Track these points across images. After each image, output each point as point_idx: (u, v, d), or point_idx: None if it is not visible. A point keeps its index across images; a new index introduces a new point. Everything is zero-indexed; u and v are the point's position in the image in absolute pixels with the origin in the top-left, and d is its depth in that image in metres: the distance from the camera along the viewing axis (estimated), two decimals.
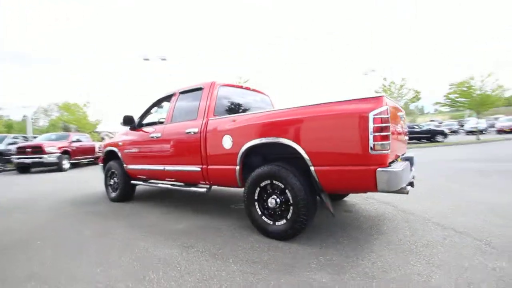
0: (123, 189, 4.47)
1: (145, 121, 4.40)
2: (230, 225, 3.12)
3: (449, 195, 4.07)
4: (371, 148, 2.05)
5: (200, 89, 3.52)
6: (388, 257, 2.17)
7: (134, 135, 4.27)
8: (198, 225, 3.16)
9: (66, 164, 11.15)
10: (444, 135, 18.91)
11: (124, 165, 4.41)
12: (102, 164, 5.00)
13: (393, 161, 2.32)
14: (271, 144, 2.64)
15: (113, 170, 4.66)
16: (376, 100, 2.09)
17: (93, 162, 14.07)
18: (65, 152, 11.18)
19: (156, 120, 4.46)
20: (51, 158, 10.54)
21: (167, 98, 4.07)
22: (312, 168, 2.34)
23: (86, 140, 13.13)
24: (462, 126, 31.33)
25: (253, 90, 4.15)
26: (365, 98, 2.15)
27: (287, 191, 2.50)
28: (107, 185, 4.80)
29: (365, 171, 2.09)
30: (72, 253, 2.51)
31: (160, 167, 3.76)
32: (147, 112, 4.35)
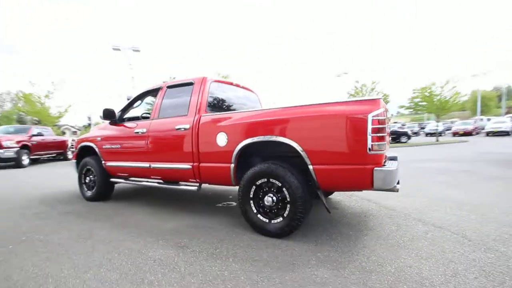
0: (101, 188, 4.19)
1: (126, 116, 4.16)
2: (221, 223, 3.08)
3: (420, 192, 4.39)
4: (369, 148, 2.14)
5: (190, 84, 3.41)
6: (380, 252, 2.29)
7: (115, 130, 4.01)
8: (188, 224, 3.07)
9: (25, 160, 10.18)
10: (408, 136, 20.31)
11: (103, 162, 4.13)
12: (75, 161, 4.64)
13: (385, 161, 2.44)
14: (267, 143, 2.64)
15: (88, 167, 4.35)
16: (374, 102, 2.19)
17: (56, 158, 13.03)
18: (24, 147, 10.20)
19: (138, 114, 4.24)
20: (9, 153, 9.56)
21: (153, 92, 3.89)
22: (310, 166, 2.39)
23: (48, 134, 12.08)
24: (423, 128, 33.91)
25: (242, 87, 4.12)
26: (364, 99, 2.24)
27: (284, 189, 2.52)
28: (81, 183, 4.47)
29: (363, 170, 2.18)
30: (54, 256, 2.30)
31: (145, 164, 3.59)
32: (129, 106, 4.12)
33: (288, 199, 2.50)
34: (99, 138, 4.17)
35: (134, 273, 1.98)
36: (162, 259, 2.20)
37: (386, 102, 18.35)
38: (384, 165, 2.23)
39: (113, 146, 3.97)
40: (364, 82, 18.41)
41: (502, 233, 2.62)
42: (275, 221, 2.60)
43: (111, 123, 4.09)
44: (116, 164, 3.97)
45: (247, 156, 2.91)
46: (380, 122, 2.15)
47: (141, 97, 4.07)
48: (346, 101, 2.29)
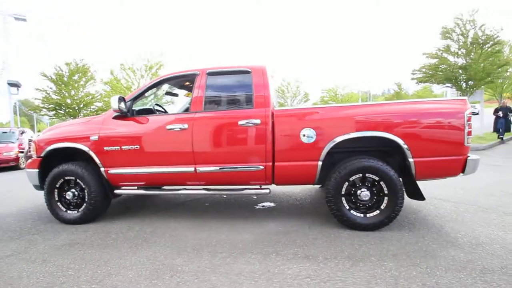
0: (97, 204, 3.10)
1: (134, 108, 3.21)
2: (297, 225, 2.89)
3: None
4: (465, 141, 2.51)
5: (246, 72, 2.97)
6: (478, 231, 2.57)
7: (127, 126, 3.02)
8: (265, 232, 2.73)
9: None
10: None
11: (103, 169, 3.06)
12: (37, 170, 3.23)
13: None
14: (356, 138, 2.65)
15: (70, 178, 3.13)
16: (464, 101, 2.57)
17: None
18: None
19: (149, 107, 3.36)
20: None
21: (181, 78, 3.15)
22: (411, 160, 2.56)
23: None
24: None
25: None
26: (455, 99, 2.59)
27: (382, 182, 2.61)
28: (55, 200, 3.17)
29: (460, 160, 2.53)
30: None
31: (187, 168, 2.90)
32: (141, 95, 3.18)
33: (386, 192, 2.61)
34: (95, 137, 3.04)
35: None
36: (312, 274, 1.92)
37: (307, 100, 20.86)
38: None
39: (125, 148, 2.99)
40: (289, 81, 20.21)
41: None
42: (371, 214, 2.66)
43: (117, 117, 3.05)
44: (129, 171, 3.02)
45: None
46: (470, 118, 2.54)
47: (158, 84, 3.22)
48: (442, 100, 2.59)
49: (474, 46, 9.47)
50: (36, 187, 3.37)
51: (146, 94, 3.27)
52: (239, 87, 2.98)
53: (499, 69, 9.93)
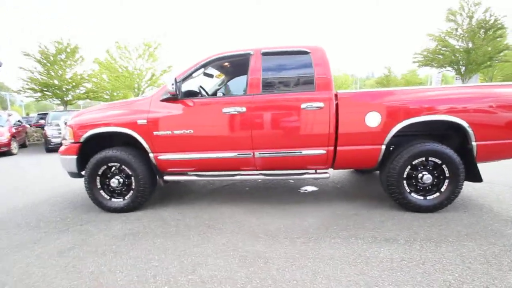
0: (146, 190, 2.97)
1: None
2: (354, 209, 2.92)
3: None
4: None
5: (304, 53, 2.84)
6: None
7: (178, 109, 2.85)
8: (329, 216, 2.74)
9: None
10: None
11: (152, 155, 2.91)
12: (75, 157, 3.01)
13: None
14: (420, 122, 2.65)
15: (115, 164, 2.96)
16: None
17: None
18: None
19: (194, 89, 3.17)
20: None
21: (233, 59, 2.97)
22: (474, 143, 2.60)
23: None
24: None
25: None
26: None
27: (443, 166, 2.65)
28: (97, 189, 3.00)
29: None
30: None
31: (245, 153, 2.81)
32: (189, 76, 2.98)
33: (448, 175, 2.66)
34: (143, 121, 2.85)
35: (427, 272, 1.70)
36: (406, 256, 1.96)
37: None
38: None
39: (177, 132, 2.83)
40: None
41: None
42: (431, 197, 2.72)
43: (166, 100, 2.86)
44: (181, 156, 2.88)
45: None
46: None
47: (208, 64, 3.01)
48: (503, 84, 2.61)
49: (480, 29, 9.61)
50: (72, 174, 3.17)
51: (194, 75, 3.07)
52: (297, 69, 2.86)
53: (501, 53, 10.25)
